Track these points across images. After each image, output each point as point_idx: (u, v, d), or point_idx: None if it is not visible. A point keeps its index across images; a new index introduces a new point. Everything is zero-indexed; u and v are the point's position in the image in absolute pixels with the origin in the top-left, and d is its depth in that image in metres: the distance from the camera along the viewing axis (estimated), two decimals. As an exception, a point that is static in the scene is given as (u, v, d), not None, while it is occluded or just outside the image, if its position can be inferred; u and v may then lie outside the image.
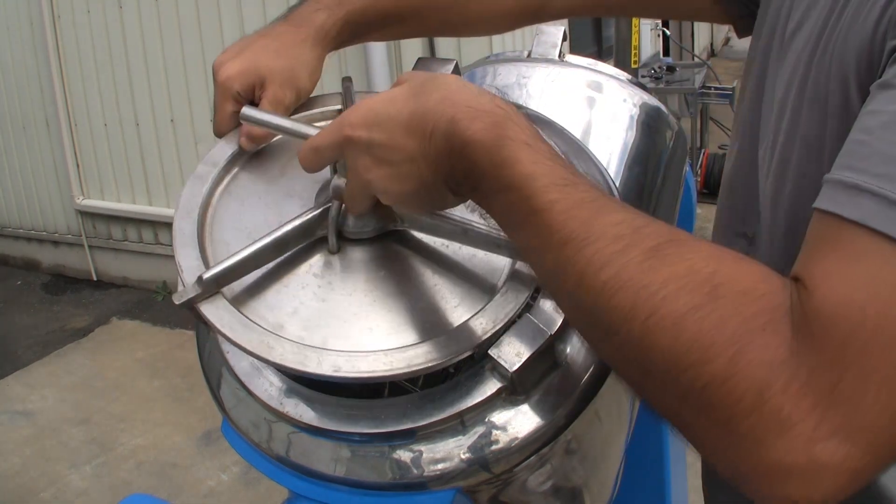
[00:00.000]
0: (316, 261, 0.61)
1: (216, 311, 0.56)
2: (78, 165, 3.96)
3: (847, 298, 0.40)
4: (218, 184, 0.67)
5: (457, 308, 0.58)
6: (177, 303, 0.56)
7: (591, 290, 0.45)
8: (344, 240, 0.61)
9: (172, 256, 0.61)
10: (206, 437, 2.70)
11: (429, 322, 0.57)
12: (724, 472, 0.43)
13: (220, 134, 0.70)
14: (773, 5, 0.67)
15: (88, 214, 4.05)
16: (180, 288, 0.57)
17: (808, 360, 0.40)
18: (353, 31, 0.74)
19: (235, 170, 0.69)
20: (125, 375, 3.20)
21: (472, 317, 0.56)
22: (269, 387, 0.60)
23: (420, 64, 0.70)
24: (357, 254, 0.61)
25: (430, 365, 0.53)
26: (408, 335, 0.56)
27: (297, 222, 0.59)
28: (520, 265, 0.58)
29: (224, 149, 0.69)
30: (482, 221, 0.58)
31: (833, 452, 0.39)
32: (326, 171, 0.61)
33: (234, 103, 0.68)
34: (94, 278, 4.19)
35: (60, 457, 2.69)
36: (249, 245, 0.57)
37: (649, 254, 0.44)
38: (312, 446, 0.59)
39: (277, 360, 0.53)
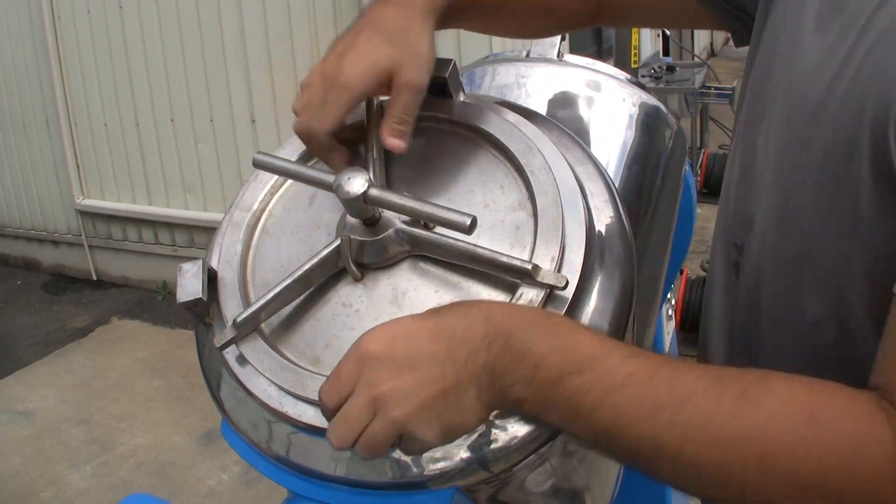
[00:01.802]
0: (343, 291, 0.63)
1: (257, 356, 0.60)
2: (78, 165, 3.96)
3: None
4: (254, 227, 0.70)
5: None
6: (217, 346, 0.60)
7: (696, 450, 0.46)
8: (366, 267, 0.63)
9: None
10: (207, 437, 2.70)
11: None
12: None
13: (322, 129, 0.62)
14: (772, 18, 0.66)
15: (88, 214, 4.06)
16: (218, 334, 0.62)
17: None
18: (453, 13, 0.69)
19: (269, 207, 0.71)
20: (125, 375, 3.20)
21: None
22: (267, 387, 0.60)
23: None
24: (381, 278, 0.63)
25: None
26: None
27: (315, 260, 0.61)
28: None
29: (255, 192, 0.71)
30: (486, 247, 0.59)
31: None
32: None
33: (355, 105, 0.63)
34: (94, 278, 4.20)
35: (61, 456, 2.69)
36: (275, 286, 0.61)
37: (740, 400, 0.46)
38: (312, 446, 0.60)
39: (311, 396, 0.57)
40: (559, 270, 0.59)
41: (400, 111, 0.62)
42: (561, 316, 0.51)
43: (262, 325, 0.63)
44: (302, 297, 0.63)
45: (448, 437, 0.52)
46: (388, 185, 0.66)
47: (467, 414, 0.51)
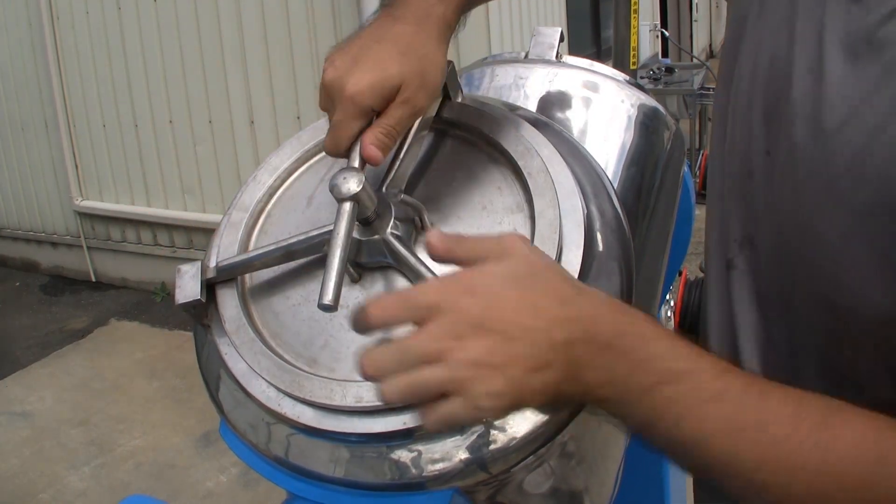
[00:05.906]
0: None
1: (255, 357, 0.60)
2: (77, 167, 3.96)
3: None
4: (252, 228, 0.70)
5: None
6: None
7: (774, 471, 0.47)
8: (363, 267, 0.63)
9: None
10: (205, 439, 2.70)
11: None
12: None
13: (337, 152, 0.63)
14: (769, 7, 0.61)
15: (87, 215, 4.06)
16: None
17: None
18: (463, 11, 0.68)
19: (268, 208, 0.71)
20: (124, 376, 3.20)
21: None
22: (266, 388, 0.60)
23: None
24: (378, 278, 0.63)
25: None
26: None
27: (302, 237, 0.62)
28: None
29: (253, 193, 0.71)
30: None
31: None
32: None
33: (364, 119, 0.62)
34: (93, 279, 4.20)
35: (59, 458, 2.69)
36: (262, 247, 0.63)
37: (818, 428, 0.47)
38: (310, 447, 0.60)
39: (308, 397, 0.57)
40: None
41: (390, 123, 0.61)
42: (658, 323, 0.51)
43: (260, 327, 0.63)
44: (297, 297, 0.63)
45: (508, 413, 0.51)
46: (408, 189, 0.66)
47: (539, 396, 0.49)
